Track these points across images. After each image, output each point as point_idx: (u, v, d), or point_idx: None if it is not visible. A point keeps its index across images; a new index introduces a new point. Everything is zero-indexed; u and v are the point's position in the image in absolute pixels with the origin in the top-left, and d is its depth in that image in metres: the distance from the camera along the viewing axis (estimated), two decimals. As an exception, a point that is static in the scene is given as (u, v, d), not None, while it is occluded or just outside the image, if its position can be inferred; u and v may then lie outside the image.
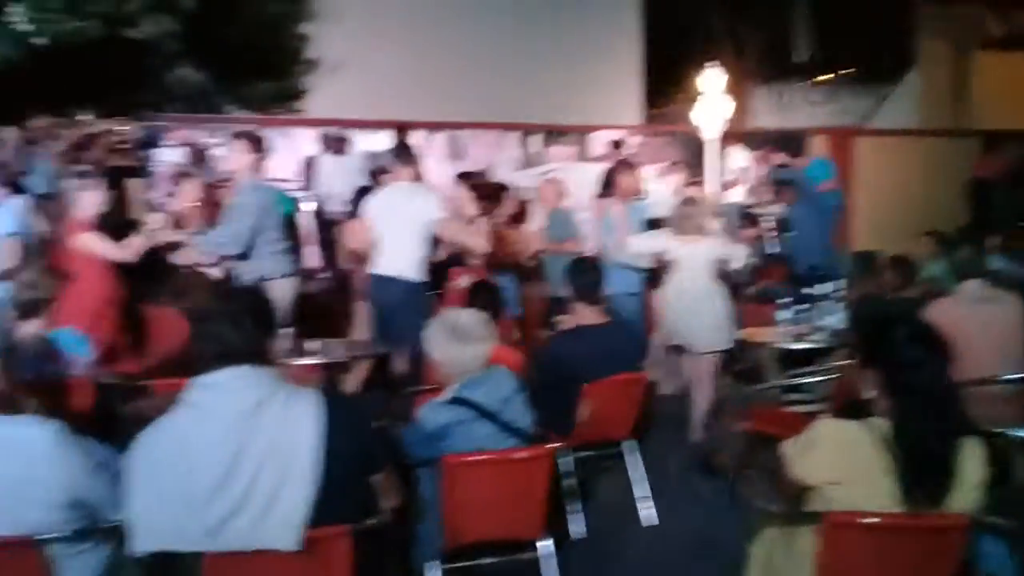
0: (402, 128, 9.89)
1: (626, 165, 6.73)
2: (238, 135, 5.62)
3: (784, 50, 15.51)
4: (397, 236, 5.48)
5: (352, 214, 6.98)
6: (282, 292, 5.35)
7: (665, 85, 15.28)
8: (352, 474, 2.43)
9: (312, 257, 9.03)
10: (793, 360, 5.39)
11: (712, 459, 5.15)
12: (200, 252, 5.61)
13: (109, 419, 3.90)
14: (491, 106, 11.95)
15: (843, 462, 2.48)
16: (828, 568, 2.50)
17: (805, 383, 5.16)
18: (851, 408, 2.63)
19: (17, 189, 7.45)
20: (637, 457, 4.50)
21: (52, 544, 2.37)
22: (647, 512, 4.42)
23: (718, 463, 5.07)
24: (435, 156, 10.83)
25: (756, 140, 10.44)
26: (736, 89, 9.88)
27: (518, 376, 3.34)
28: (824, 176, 9.10)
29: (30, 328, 3.88)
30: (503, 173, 10.66)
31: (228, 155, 5.57)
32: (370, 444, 2.52)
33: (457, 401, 3.09)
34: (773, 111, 13.70)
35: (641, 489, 4.46)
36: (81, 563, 2.47)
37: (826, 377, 5.09)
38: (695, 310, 5.45)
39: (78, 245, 5.25)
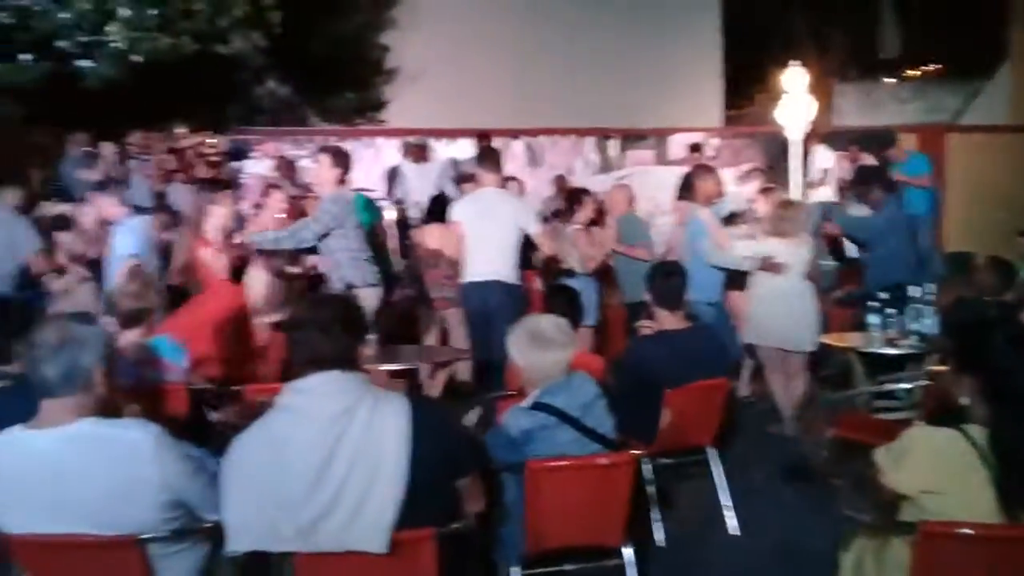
0: (481, 136, 9.98)
1: (705, 168, 6.65)
2: (323, 149, 5.79)
3: (871, 46, 15.13)
4: (491, 240, 5.60)
5: (429, 221, 7.10)
6: (367, 301, 5.47)
7: (745, 86, 15.05)
8: (438, 478, 2.48)
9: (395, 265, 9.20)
10: (882, 365, 5.24)
11: (797, 467, 5.05)
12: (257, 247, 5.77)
13: (202, 424, 4.04)
14: (569, 111, 11.99)
15: (938, 471, 2.41)
16: (923, 579, 2.44)
17: (895, 389, 5.01)
18: (945, 415, 2.56)
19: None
20: (719, 464, 4.43)
21: (152, 544, 2.46)
22: (730, 521, 4.36)
23: (804, 471, 4.97)
24: (514, 163, 10.91)
25: (842, 139, 10.20)
26: (820, 88, 9.71)
27: (599, 382, 3.34)
28: (922, 170, 8.84)
29: (131, 336, 4.03)
30: (581, 178, 10.68)
31: (313, 168, 5.73)
32: (455, 449, 2.57)
33: (539, 407, 3.10)
34: (860, 109, 13.34)
35: (724, 497, 4.40)
36: (179, 562, 2.56)
37: (917, 383, 4.94)
38: (790, 310, 5.55)
39: (203, 259, 5.48)
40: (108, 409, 2.54)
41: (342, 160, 5.63)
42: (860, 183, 6.42)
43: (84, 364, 2.42)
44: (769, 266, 5.64)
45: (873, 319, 5.20)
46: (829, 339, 5.79)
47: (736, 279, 6.03)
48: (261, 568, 2.69)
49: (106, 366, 2.49)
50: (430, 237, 6.72)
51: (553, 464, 3.04)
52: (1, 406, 3.16)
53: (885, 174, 6.75)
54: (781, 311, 5.55)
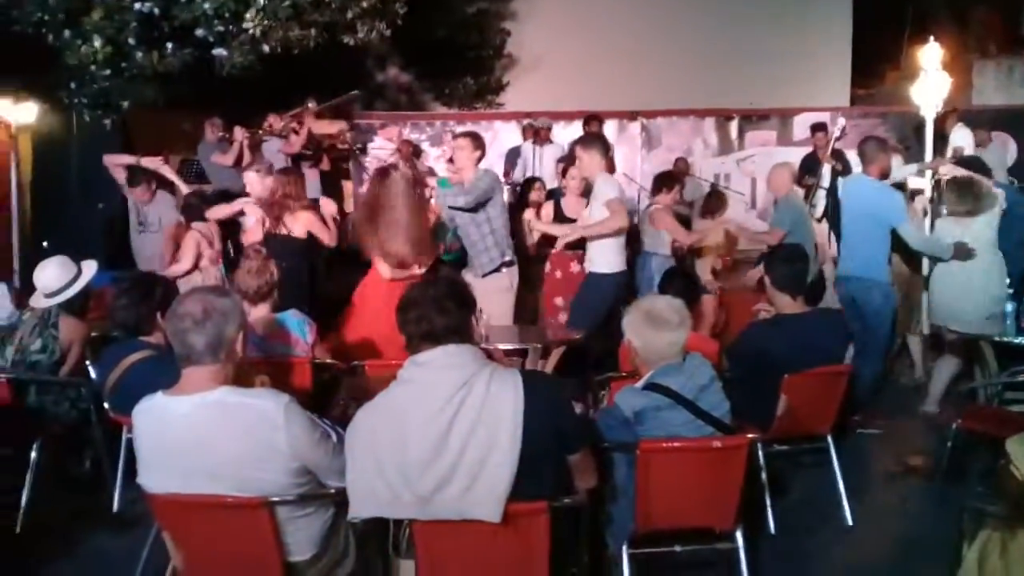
0: (590, 118, 9.94)
1: (879, 140, 6.33)
2: (463, 134, 5.99)
3: (1013, 20, 14.24)
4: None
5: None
6: (506, 280, 5.76)
7: (874, 63, 14.42)
8: (550, 452, 2.54)
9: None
10: (1015, 355, 4.98)
11: (915, 460, 4.89)
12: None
13: (325, 396, 4.22)
14: (687, 91, 11.78)
15: None
16: (1051, 575, 2.34)
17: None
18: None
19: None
20: (834, 453, 4.31)
21: (280, 507, 2.60)
22: (844, 511, 4.25)
23: (921, 464, 4.80)
24: (630, 144, 10.84)
25: (982, 118, 9.66)
26: (958, 64, 9.21)
27: (714, 365, 3.32)
28: None
29: (259, 312, 4.23)
30: (699, 160, 10.50)
31: (455, 152, 5.90)
32: (567, 424, 2.61)
33: (652, 387, 3.11)
34: (1000, 87, 12.60)
35: (840, 487, 4.29)
36: (305, 525, 2.69)
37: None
38: (970, 290, 5.42)
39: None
40: (242, 379, 2.70)
41: (480, 143, 5.86)
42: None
43: (227, 334, 2.58)
44: (963, 252, 5.46)
45: (1007, 307, 4.95)
46: (958, 326, 5.55)
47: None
48: (382, 534, 2.82)
49: (243, 337, 2.65)
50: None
51: (666, 445, 3.05)
52: (144, 374, 3.42)
53: (983, 165, 6.32)
54: (961, 291, 5.44)
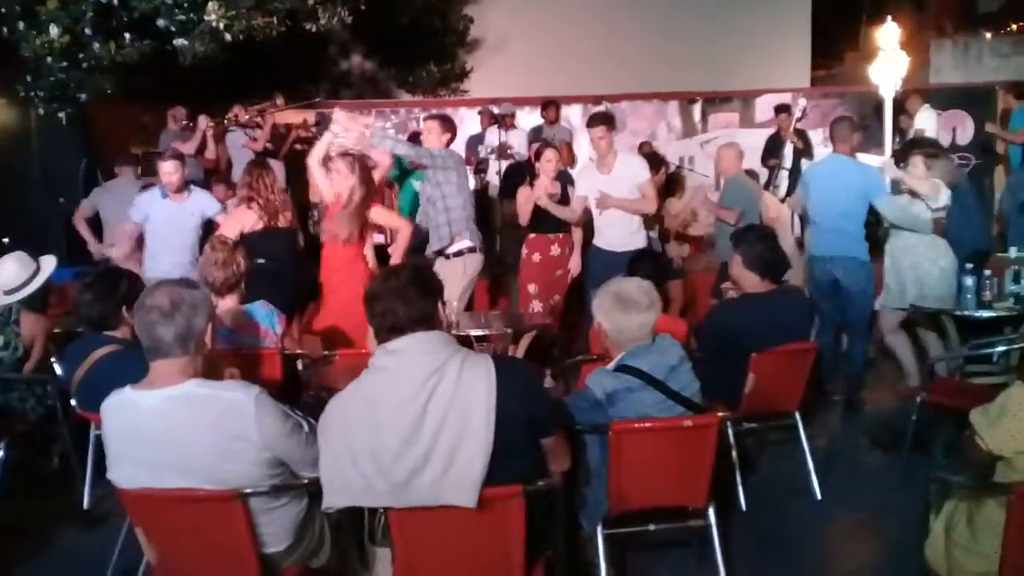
0: (547, 103, 9.94)
1: (850, 119, 6.36)
2: (430, 117, 5.96)
3: (969, -1, 14.47)
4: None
5: (508, 189, 7.24)
6: (479, 264, 5.74)
7: (833, 45, 14.57)
8: (523, 436, 2.55)
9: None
10: (976, 329, 5.08)
11: (881, 433, 4.98)
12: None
13: (296, 387, 4.20)
14: (651, 75, 11.82)
15: None
16: (1018, 540, 2.40)
17: (989, 353, 4.86)
18: (1045, 375, 2.50)
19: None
20: (802, 430, 4.37)
21: (253, 498, 2.59)
22: (813, 486, 4.32)
23: (888, 437, 4.89)
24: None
25: (940, 98, 9.79)
26: (915, 44, 9.33)
27: (683, 345, 3.35)
28: None
29: (226, 303, 4.19)
30: (664, 143, 10.55)
31: (423, 136, 5.82)
32: (540, 408, 2.62)
33: (623, 369, 3.13)
34: (958, 66, 12.78)
35: (808, 462, 4.36)
36: (278, 516, 2.68)
37: (1013, 347, 4.79)
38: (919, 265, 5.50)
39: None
40: (211, 372, 2.68)
41: (450, 125, 5.83)
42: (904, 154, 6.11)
43: (196, 326, 2.55)
44: (941, 227, 5.48)
45: (967, 281, 5.04)
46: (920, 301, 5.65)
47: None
48: (356, 523, 2.81)
49: (212, 330, 2.63)
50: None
51: (637, 425, 3.08)
52: (111, 369, 3.38)
53: (933, 143, 6.40)
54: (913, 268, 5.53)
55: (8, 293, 4.48)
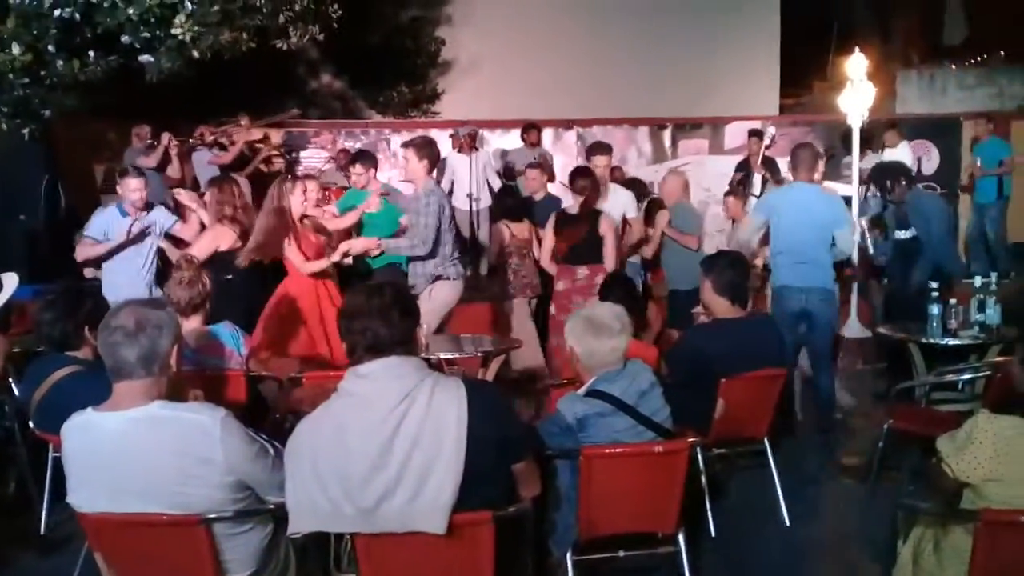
0: (533, 126, 9.98)
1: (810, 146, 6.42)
2: (406, 144, 5.76)
3: (935, 31, 14.76)
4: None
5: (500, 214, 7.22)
6: (455, 293, 5.58)
7: (801, 74, 14.82)
8: (494, 461, 2.52)
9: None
10: (942, 356, 5.14)
11: (848, 460, 5.01)
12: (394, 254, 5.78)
13: (261, 410, 4.14)
14: (622, 101, 11.93)
15: (1002, 458, 2.39)
16: (984, 568, 2.41)
17: (956, 380, 4.92)
18: (1011, 404, 2.52)
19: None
20: (771, 456, 4.38)
21: (217, 523, 2.53)
22: (782, 512, 4.32)
23: (855, 464, 4.92)
24: (566, 153, 10.90)
25: (906, 127, 9.98)
26: (882, 74, 9.49)
27: (654, 370, 3.34)
28: (1003, 155, 8.65)
29: (191, 324, 4.12)
30: (635, 168, 10.61)
31: (402, 164, 5.77)
32: (511, 432, 2.60)
33: (594, 394, 3.12)
34: (923, 96, 13.03)
35: (777, 488, 4.36)
36: (243, 542, 2.62)
37: (977, 375, 4.85)
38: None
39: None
40: (175, 393, 2.63)
41: (427, 151, 5.56)
42: (880, 179, 6.17)
43: (161, 347, 2.50)
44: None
45: (934, 309, 5.10)
46: (887, 329, 5.71)
47: None
48: (322, 549, 2.77)
49: (177, 351, 2.57)
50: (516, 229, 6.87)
51: (608, 451, 3.06)
52: (72, 390, 3.31)
53: (905, 169, 6.51)
54: None
55: (-33, 311, 4.37)
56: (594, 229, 5.97)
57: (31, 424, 3.68)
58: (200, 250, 5.36)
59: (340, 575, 2.83)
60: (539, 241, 6.57)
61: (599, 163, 5.97)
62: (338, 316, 2.59)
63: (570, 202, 6.24)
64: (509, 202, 7.34)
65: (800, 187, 5.67)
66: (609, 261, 5.90)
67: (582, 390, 3.18)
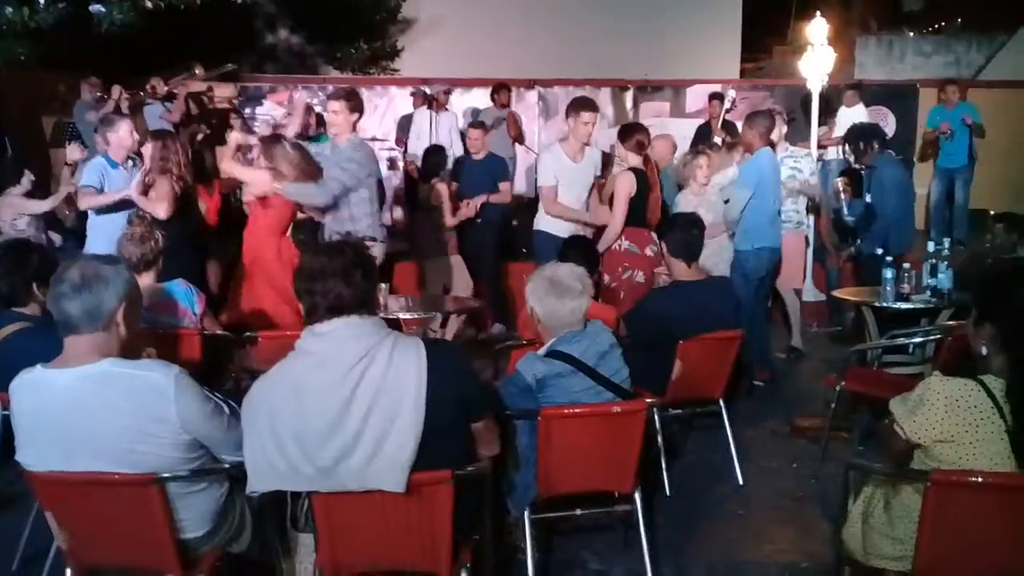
0: (503, 86, 9.87)
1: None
2: (335, 95, 5.48)
3: (893, -2, 14.87)
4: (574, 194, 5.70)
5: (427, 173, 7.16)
6: (377, 255, 5.42)
7: (762, 38, 14.84)
8: (453, 419, 2.52)
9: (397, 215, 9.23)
10: (894, 320, 5.23)
11: (801, 421, 5.09)
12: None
13: (216, 368, 4.08)
14: (584, 61, 11.83)
15: (953, 419, 2.43)
16: (934, 527, 2.46)
17: (907, 344, 5.01)
18: (962, 366, 2.56)
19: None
20: (726, 417, 4.43)
21: (171, 483, 2.50)
22: (736, 471, 4.39)
23: (808, 425, 5.01)
24: (528, 113, 10.81)
25: (865, 93, 10.03)
26: (841, 40, 9.53)
27: (614, 332, 3.35)
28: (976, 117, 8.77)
29: (143, 281, 4.03)
30: (595, 130, 10.55)
31: (328, 115, 5.53)
32: (470, 391, 2.59)
33: (554, 355, 3.11)
34: (881, 63, 13.12)
35: (731, 448, 4.42)
36: (197, 502, 2.60)
37: (928, 338, 4.94)
38: None
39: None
40: (129, 351, 2.57)
41: (358, 104, 5.41)
42: (855, 140, 6.24)
43: (107, 302, 2.44)
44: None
45: (887, 274, 5.17)
46: (842, 293, 5.80)
47: None
48: (279, 508, 2.74)
49: (128, 307, 2.51)
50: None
51: (567, 411, 3.07)
52: (19, 347, 3.23)
53: (880, 133, 6.59)
54: None
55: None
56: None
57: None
58: (164, 208, 5.24)
59: (296, 534, 2.80)
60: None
61: (587, 119, 5.65)
62: (295, 277, 2.54)
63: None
64: (435, 161, 7.46)
65: (767, 153, 5.81)
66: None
67: (542, 350, 3.18)
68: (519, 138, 9.36)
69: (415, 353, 2.45)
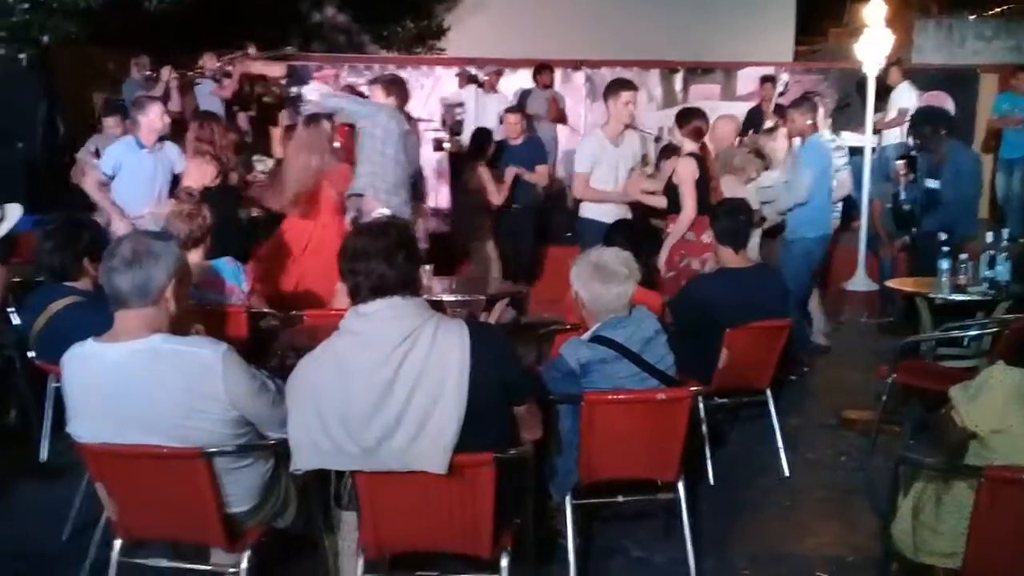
0: (545, 67, 9.79)
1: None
2: (375, 81, 5.55)
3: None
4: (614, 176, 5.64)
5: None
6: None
7: (817, 20, 14.51)
8: (495, 403, 2.51)
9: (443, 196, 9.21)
10: (950, 312, 5.10)
11: (851, 413, 5.00)
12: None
13: (262, 346, 4.11)
14: (633, 43, 11.66)
15: (1011, 409, 2.38)
16: (985, 524, 2.40)
17: (962, 336, 4.88)
18: (1020, 360, 2.49)
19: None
20: (772, 407, 4.37)
21: (218, 457, 2.52)
22: (782, 462, 4.32)
23: (858, 418, 4.92)
24: (574, 95, 10.72)
25: (923, 78, 9.78)
26: (900, 23, 9.27)
27: (659, 318, 3.31)
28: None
29: (192, 258, 4.07)
30: (644, 113, 10.44)
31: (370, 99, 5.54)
32: (513, 374, 2.57)
33: (598, 340, 3.09)
34: (940, 46, 12.76)
35: (777, 439, 4.35)
36: (243, 477, 2.62)
37: (984, 331, 4.81)
38: None
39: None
40: (178, 327, 2.60)
41: (397, 89, 5.41)
42: (921, 125, 6.06)
43: (157, 278, 2.46)
44: None
45: (943, 264, 5.05)
46: (895, 283, 5.68)
47: None
48: (323, 485, 2.76)
49: (178, 284, 2.53)
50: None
51: (610, 397, 3.04)
52: (72, 321, 3.29)
53: (948, 117, 6.41)
54: None
55: (-31, 240, 4.32)
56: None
57: (31, 354, 3.66)
58: (191, 182, 5.29)
59: (340, 512, 2.82)
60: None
61: (627, 99, 5.55)
62: (340, 256, 2.54)
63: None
64: (481, 143, 7.43)
65: (819, 139, 5.92)
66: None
67: (586, 336, 3.15)
68: (560, 119, 9.28)
69: (458, 335, 2.44)
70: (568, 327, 4.04)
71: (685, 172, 5.36)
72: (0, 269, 4.38)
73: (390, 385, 2.38)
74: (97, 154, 6.51)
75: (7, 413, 4.46)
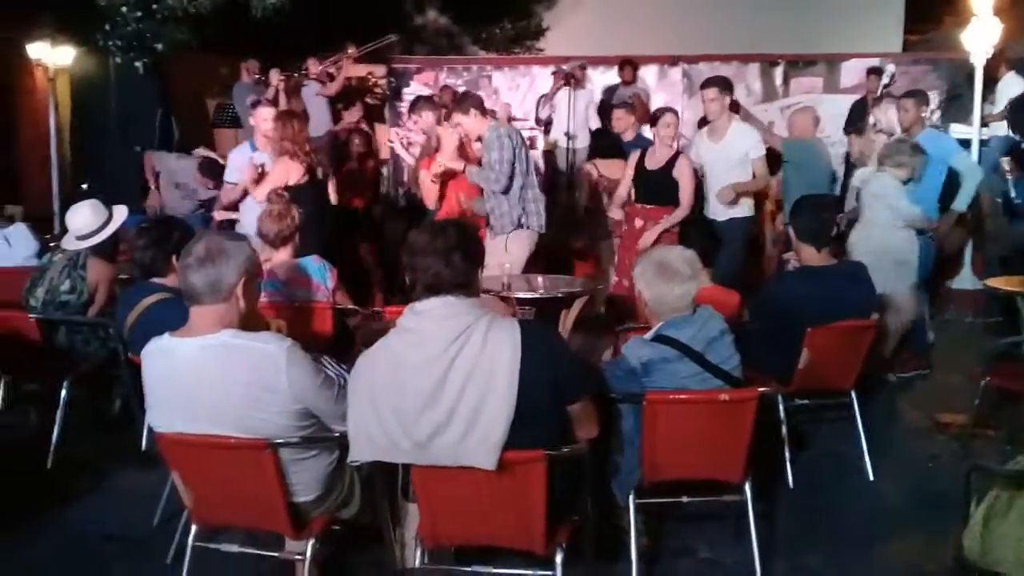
0: (625, 63, 9.71)
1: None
2: (460, 102, 5.63)
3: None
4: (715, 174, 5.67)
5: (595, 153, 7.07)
6: (532, 243, 5.50)
7: (930, 6, 13.83)
8: (548, 401, 2.53)
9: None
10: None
11: (944, 417, 4.79)
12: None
13: (346, 341, 4.24)
14: (731, 36, 11.42)
15: None
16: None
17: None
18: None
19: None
20: (857, 409, 4.23)
21: (284, 448, 2.63)
22: (866, 467, 4.19)
23: (951, 422, 4.71)
24: (671, 91, 10.61)
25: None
26: (1015, 11, 8.79)
27: (726, 318, 3.25)
28: None
29: (280, 256, 4.25)
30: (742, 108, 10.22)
31: (464, 124, 5.53)
32: (565, 373, 2.58)
33: (661, 339, 3.07)
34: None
35: (862, 442, 4.22)
36: (308, 467, 2.73)
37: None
38: None
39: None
40: (253, 324, 2.72)
41: (467, 102, 5.55)
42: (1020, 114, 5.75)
43: (227, 276, 2.59)
44: None
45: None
46: (996, 283, 5.41)
47: None
48: (388, 477, 2.84)
49: (247, 282, 2.65)
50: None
51: (672, 396, 3.02)
52: (157, 316, 3.47)
53: None
54: None
55: (80, 239, 4.63)
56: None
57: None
58: (261, 191, 5.30)
59: (406, 503, 2.90)
60: None
61: (707, 95, 5.63)
62: (402, 251, 2.62)
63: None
64: (602, 142, 7.28)
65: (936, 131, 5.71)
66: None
67: (649, 335, 3.14)
68: (643, 119, 9.18)
69: (510, 335, 2.47)
70: (643, 326, 4.03)
71: (687, 169, 5.44)
72: (107, 267, 4.69)
73: (442, 382, 2.44)
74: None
75: (112, 403, 4.73)
